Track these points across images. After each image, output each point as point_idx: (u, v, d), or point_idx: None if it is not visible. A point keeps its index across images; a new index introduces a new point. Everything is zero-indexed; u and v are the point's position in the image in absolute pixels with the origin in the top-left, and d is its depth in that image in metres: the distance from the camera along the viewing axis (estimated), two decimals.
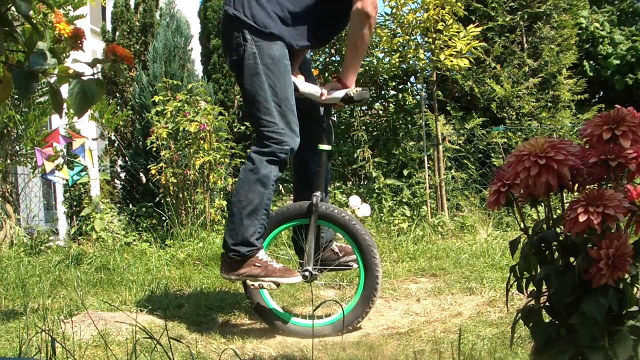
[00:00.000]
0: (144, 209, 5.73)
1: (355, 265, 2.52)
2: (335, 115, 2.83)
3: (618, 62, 14.63)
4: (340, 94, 2.42)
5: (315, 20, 2.41)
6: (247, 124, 7.29)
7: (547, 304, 1.11)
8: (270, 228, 2.46)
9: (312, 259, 2.40)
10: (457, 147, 6.08)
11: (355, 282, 2.98)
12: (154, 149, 5.14)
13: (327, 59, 6.34)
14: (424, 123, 5.68)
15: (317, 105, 2.52)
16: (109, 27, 8.26)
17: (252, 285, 2.35)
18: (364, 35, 2.38)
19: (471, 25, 5.24)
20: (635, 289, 1.05)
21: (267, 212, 2.36)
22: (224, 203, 5.17)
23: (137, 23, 8.05)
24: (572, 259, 1.11)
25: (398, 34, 5.42)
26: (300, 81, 2.48)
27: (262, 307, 2.45)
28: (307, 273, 2.40)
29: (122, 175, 7.22)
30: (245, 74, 2.37)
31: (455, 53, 5.05)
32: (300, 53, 2.54)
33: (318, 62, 6.32)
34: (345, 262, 2.56)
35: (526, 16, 6.85)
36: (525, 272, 1.17)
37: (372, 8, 2.31)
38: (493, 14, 6.74)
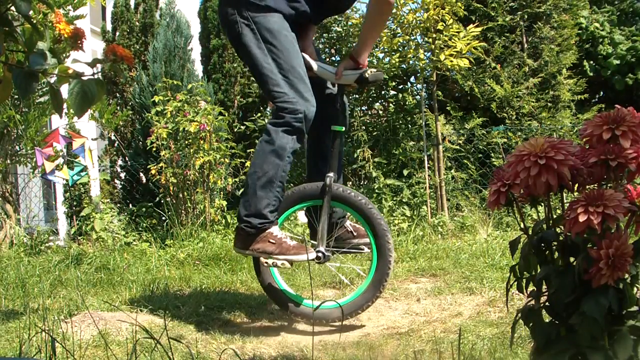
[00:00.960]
0: (144, 209, 5.73)
1: (366, 249, 2.50)
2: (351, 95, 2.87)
3: (618, 62, 14.64)
4: (354, 74, 2.40)
5: None
6: (247, 123, 7.30)
7: (547, 304, 1.11)
8: (286, 207, 2.43)
9: (324, 240, 2.38)
10: (457, 147, 6.08)
11: (355, 280, 2.98)
12: (154, 149, 5.14)
13: (327, 59, 6.34)
14: (424, 123, 5.68)
15: (331, 85, 2.51)
16: (109, 27, 8.27)
17: (266, 263, 2.33)
18: (384, 14, 2.35)
19: (471, 25, 5.24)
20: (635, 289, 1.05)
21: (282, 185, 2.31)
22: (224, 203, 5.17)
23: (137, 23, 8.05)
24: (572, 259, 1.11)
25: (398, 34, 5.42)
26: (314, 61, 2.45)
27: (274, 288, 2.43)
28: (320, 254, 2.38)
29: (122, 175, 7.23)
30: (246, 51, 2.35)
31: (455, 53, 5.05)
32: (307, 28, 2.51)
33: None
34: (358, 244, 2.52)
35: (526, 16, 6.85)
36: (525, 272, 1.17)
37: None
38: (493, 14, 6.74)
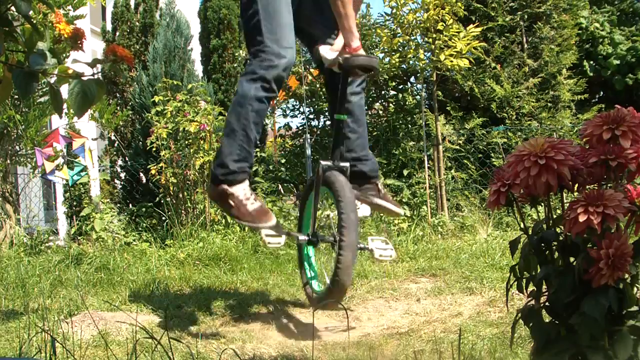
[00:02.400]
0: (144, 209, 5.73)
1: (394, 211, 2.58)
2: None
3: (618, 62, 14.63)
4: (331, 55, 2.39)
5: None
6: None
7: (547, 304, 1.11)
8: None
9: (314, 224, 2.41)
10: (457, 147, 6.07)
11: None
12: (154, 149, 5.14)
13: None
14: (424, 123, 5.68)
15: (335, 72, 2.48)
16: (109, 27, 8.26)
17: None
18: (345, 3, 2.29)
19: (471, 26, 5.24)
20: (635, 289, 1.05)
21: (247, 134, 2.24)
22: None
23: (137, 23, 8.05)
24: (572, 259, 1.11)
25: (398, 34, 5.42)
26: (326, 50, 2.42)
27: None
28: (310, 237, 2.42)
29: (122, 175, 7.23)
30: (243, 14, 2.38)
31: (455, 53, 5.05)
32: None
33: None
34: (380, 205, 2.56)
35: (526, 16, 6.85)
36: (525, 272, 1.17)
37: None
38: (493, 14, 6.74)
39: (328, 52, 2.40)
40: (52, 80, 1.34)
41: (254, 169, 6.37)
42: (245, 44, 2.48)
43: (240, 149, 2.24)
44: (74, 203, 5.78)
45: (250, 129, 2.24)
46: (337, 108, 2.43)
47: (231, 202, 2.23)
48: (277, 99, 7.56)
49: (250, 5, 2.31)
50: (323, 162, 2.39)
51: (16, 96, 5.01)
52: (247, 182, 2.30)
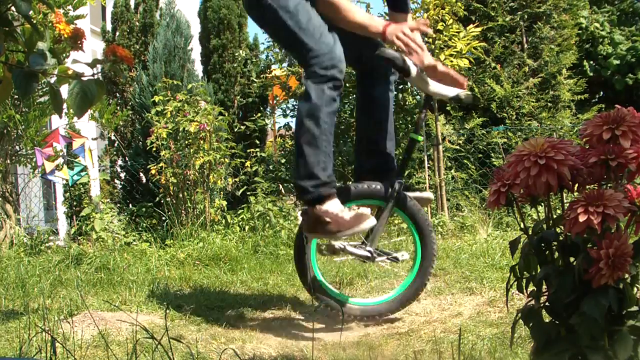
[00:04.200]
0: (144, 209, 5.73)
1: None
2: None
3: (618, 62, 14.64)
4: (446, 90, 2.37)
5: None
6: (247, 123, 7.30)
7: (547, 304, 1.11)
8: (349, 198, 2.40)
9: (376, 241, 2.39)
10: (457, 147, 6.08)
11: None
12: (154, 149, 5.14)
13: None
14: (423, 123, 5.68)
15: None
16: (109, 27, 8.26)
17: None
18: (335, 9, 2.28)
19: (471, 26, 5.24)
20: (635, 289, 1.05)
21: (328, 139, 2.23)
22: (224, 203, 5.17)
23: (137, 23, 8.05)
24: (572, 259, 1.11)
25: None
26: (436, 85, 2.34)
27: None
28: (369, 253, 2.41)
29: (122, 175, 7.23)
30: (272, 29, 2.42)
31: (455, 53, 5.05)
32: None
33: None
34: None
35: (526, 16, 6.85)
36: (525, 272, 1.16)
37: None
38: (493, 14, 6.74)
39: (441, 87, 2.32)
40: (52, 80, 1.34)
41: (254, 169, 6.37)
42: (293, 57, 2.49)
43: (326, 156, 2.22)
44: (74, 203, 5.78)
45: (331, 132, 2.24)
46: (416, 128, 2.48)
47: (327, 219, 2.19)
48: (278, 98, 7.57)
49: (277, 24, 2.31)
50: (400, 181, 2.38)
51: (16, 96, 5.01)
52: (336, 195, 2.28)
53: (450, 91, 2.34)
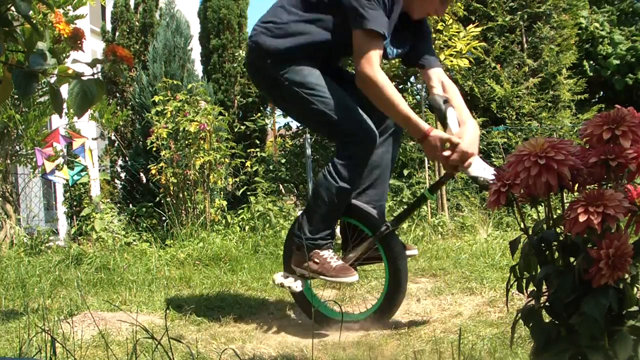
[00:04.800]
0: (144, 209, 5.73)
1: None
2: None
3: (618, 62, 14.64)
4: (483, 173, 2.15)
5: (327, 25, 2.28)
6: (247, 123, 7.30)
7: (547, 304, 1.11)
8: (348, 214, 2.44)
9: (351, 263, 2.39)
10: None
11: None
12: (154, 149, 5.14)
13: None
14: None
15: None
16: (109, 27, 8.27)
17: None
18: (379, 96, 2.18)
19: (471, 26, 5.24)
20: (635, 289, 1.05)
21: (344, 206, 2.35)
22: (224, 203, 5.17)
23: (137, 23, 8.05)
24: (572, 259, 1.11)
25: None
26: (479, 168, 2.15)
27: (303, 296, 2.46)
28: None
29: (122, 175, 7.24)
30: (291, 104, 2.38)
31: (455, 53, 5.05)
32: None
33: None
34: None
35: (526, 16, 6.85)
36: (525, 272, 1.16)
37: (368, 67, 2.13)
38: (493, 14, 6.74)
39: (480, 170, 2.14)
40: (52, 80, 1.34)
41: (254, 169, 6.37)
42: (324, 136, 2.47)
43: (336, 220, 2.37)
44: (74, 203, 5.78)
45: (347, 204, 2.35)
46: (431, 187, 2.45)
47: (316, 261, 2.30)
48: None
49: (304, 105, 2.29)
50: (389, 225, 2.35)
51: (16, 96, 5.01)
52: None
53: (485, 174, 2.17)
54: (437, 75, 2.37)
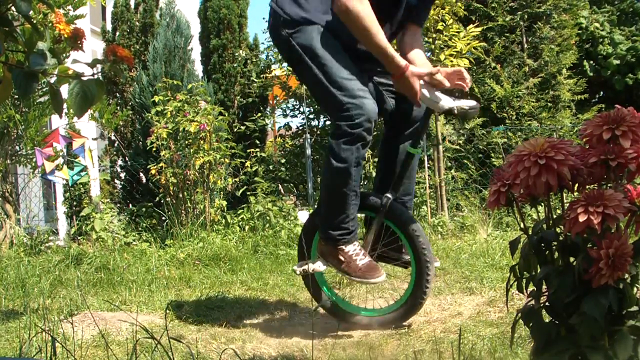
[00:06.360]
0: (144, 209, 5.73)
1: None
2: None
3: (618, 62, 14.63)
4: (446, 101, 2.21)
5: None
6: (247, 123, 7.30)
7: (547, 304, 1.11)
8: None
9: (367, 250, 2.33)
10: (457, 147, 6.08)
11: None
12: (154, 149, 5.14)
13: None
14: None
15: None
16: (109, 27, 8.26)
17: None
18: (360, 30, 2.12)
19: (471, 25, 5.25)
20: (635, 289, 1.05)
21: (356, 193, 2.23)
22: (224, 203, 5.17)
23: (137, 23, 8.05)
24: (572, 259, 1.11)
25: None
26: (427, 93, 2.21)
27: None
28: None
29: (122, 175, 7.23)
30: (298, 70, 2.32)
31: (455, 53, 5.05)
32: (407, 29, 2.35)
33: None
34: (404, 260, 2.45)
35: (526, 16, 6.85)
36: (525, 272, 1.16)
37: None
38: (493, 14, 6.74)
39: (450, 101, 2.20)
40: (52, 80, 1.34)
41: (254, 169, 6.36)
42: (322, 109, 2.41)
43: (353, 208, 2.24)
44: (74, 203, 5.78)
45: (358, 186, 2.24)
46: (413, 142, 2.38)
47: (341, 258, 2.24)
48: (278, 98, 7.57)
49: (307, 72, 2.23)
50: (388, 195, 2.32)
51: (16, 96, 5.01)
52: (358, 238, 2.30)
53: (462, 103, 2.23)
54: (412, 39, 2.39)
